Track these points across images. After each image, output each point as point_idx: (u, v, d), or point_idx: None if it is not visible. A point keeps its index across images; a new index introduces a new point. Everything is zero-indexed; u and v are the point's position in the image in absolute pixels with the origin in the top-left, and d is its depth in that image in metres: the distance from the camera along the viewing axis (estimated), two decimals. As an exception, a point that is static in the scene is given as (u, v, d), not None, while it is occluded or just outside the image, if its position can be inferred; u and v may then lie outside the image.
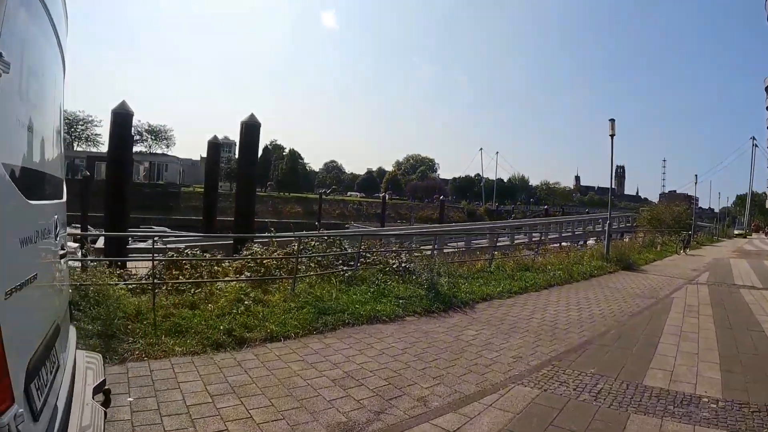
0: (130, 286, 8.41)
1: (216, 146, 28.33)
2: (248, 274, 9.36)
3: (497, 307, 10.01)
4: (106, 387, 3.51)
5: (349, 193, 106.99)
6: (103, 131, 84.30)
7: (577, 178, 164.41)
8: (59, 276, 2.98)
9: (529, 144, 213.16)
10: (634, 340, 8.01)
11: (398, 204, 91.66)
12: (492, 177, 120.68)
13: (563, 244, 28.34)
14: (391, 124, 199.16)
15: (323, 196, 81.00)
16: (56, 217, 2.80)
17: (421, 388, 5.46)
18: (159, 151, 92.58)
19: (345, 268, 10.32)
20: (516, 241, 29.41)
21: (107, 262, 9.40)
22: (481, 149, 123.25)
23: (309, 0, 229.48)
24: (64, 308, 3.17)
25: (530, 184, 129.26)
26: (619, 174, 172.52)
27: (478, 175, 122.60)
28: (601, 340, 7.96)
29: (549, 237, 33.10)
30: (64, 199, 3.30)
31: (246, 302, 7.84)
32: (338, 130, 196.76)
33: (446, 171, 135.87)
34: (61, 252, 3.04)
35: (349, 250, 11.27)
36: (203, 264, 9.54)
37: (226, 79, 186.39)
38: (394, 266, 10.77)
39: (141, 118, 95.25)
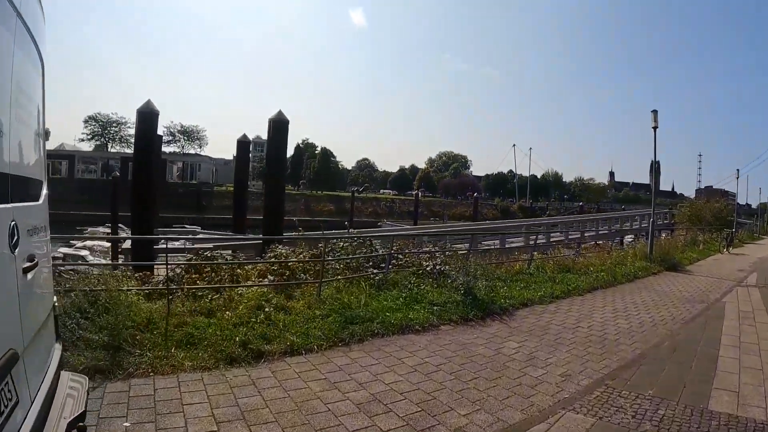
0: (145, 292, 7.88)
1: (245, 144, 27.97)
2: (271, 278, 8.77)
3: (539, 313, 9.20)
4: (81, 424, 2.93)
5: (381, 191, 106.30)
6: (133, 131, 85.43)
7: (612, 174, 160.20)
8: (22, 292, 2.44)
9: (563, 139, 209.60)
10: (692, 354, 7.21)
11: (431, 201, 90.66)
12: (525, 173, 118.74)
13: (599, 242, 27.28)
14: (424, 121, 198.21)
15: (357, 194, 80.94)
16: (12, 222, 2.37)
17: (459, 415, 4.74)
18: (192, 152, 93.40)
19: (375, 271, 9.62)
20: (552, 239, 28.40)
21: (124, 266, 9.00)
22: (514, 145, 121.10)
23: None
24: (32, 330, 2.66)
25: (564, 180, 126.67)
26: (655, 169, 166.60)
27: (511, 171, 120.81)
28: (655, 354, 7.17)
29: (586, 235, 32.00)
30: (39, 201, 3.05)
31: (267, 309, 7.25)
32: (370, 128, 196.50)
33: (479, 168, 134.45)
34: (26, 264, 2.58)
35: (380, 251, 10.61)
36: (224, 267, 8.97)
37: (257, 78, 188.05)
38: (428, 269, 10.02)
39: (174, 119, 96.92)
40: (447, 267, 10.07)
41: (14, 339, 2.31)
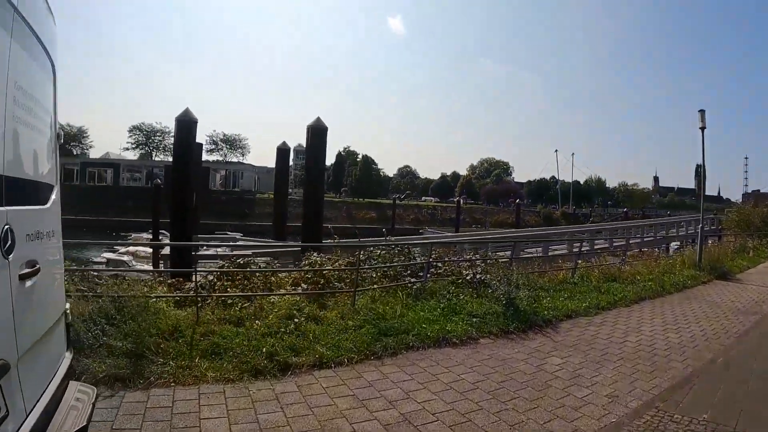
0: (176, 299, 7.76)
1: (284, 152, 28.12)
2: (305, 287, 8.54)
3: (584, 326, 8.66)
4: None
5: (423, 198, 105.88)
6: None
7: (656, 179, 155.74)
8: (17, 300, 2.39)
9: (606, 144, 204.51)
10: (747, 371, 6.60)
11: (473, 208, 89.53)
12: (568, 179, 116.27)
13: (644, 249, 26.23)
14: (465, 128, 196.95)
15: (398, 201, 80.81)
16: (6, 227, 2.33)
17: (497, 441, 4.33)
18: (234, 160, 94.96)
19: (413, 280, 9.24)
20: (596, 247, 27.50)
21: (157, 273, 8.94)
22: (556, 151, 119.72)
23: (376, 7, 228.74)
24: (31, 339, 2.60)
25: (607, 186, 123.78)
26: (699, 173, 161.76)
27: (554, 177, 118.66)
28: (708, 371, 6.59)
29: (631, 242, 30.91)
30: (46, 205, 3.04)
31: (297, 319, 6.97)
32: (411, 136, 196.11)
33: (521, 174, 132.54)
34: (25, 271, 2.53)
35: (419, 260, 10.25)
36: (257, 275, 8.78)
37: (297, 88, 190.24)
38: (468, 278, 9.58)
39: (216, 128, 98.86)
40: (488, 276, 9.60)
41: (5, 348, 2.24)
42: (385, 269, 9.48)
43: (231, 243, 28.56)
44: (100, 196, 71.08)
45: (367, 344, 6.51)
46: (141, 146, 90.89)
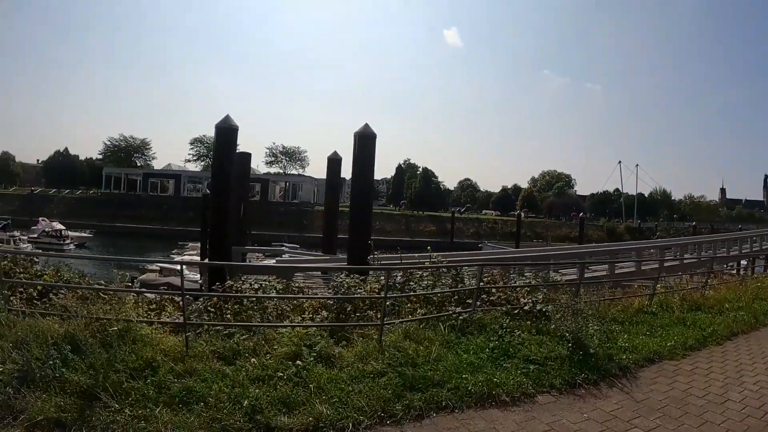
0: (166, 324, 6.40)
1: (336, 162, 26.70)
2: (325, 314, 7.00)
3: (672, 376, 6.65)
4: None
5: (483, 211, 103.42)
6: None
7: (723, 191, 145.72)
8: None
9: (670, 155, 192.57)
10: None
11: (534, 222, 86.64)
12: (631, 192, 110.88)
13: (715, 266, 23.41)
14: (524, 140, 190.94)
15: (458, 214, 79.27)
16: None
17: None
18: (294, 172, 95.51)
19: (459, 309, 7.46)
20: (666, 264, 24.87)
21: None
22: (619, 162, 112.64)
23: (429, 19, 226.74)
24: None
25: (672, 198, 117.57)
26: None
27: (617, 190, 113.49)
28: None
29: (701, 259, 27.92)
30: None
31: (305, 359, 5.46)
32: (471, 148, 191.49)
33: (583, 187, 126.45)
34: None
35: (467, 282, 8.46)
36: (269, 300, 7.26)
37: (356, 102, 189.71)
38: (526, 307, 7.78)
39: (276, 141, 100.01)
40: (550, 307, 7.72)
41: None
42: (426, 295, 7.74)
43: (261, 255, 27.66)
44: (161, 206, 73.00)
45: (385, 401, 4.87)
46: (202, 158, 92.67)
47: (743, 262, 30.47)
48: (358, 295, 7.28)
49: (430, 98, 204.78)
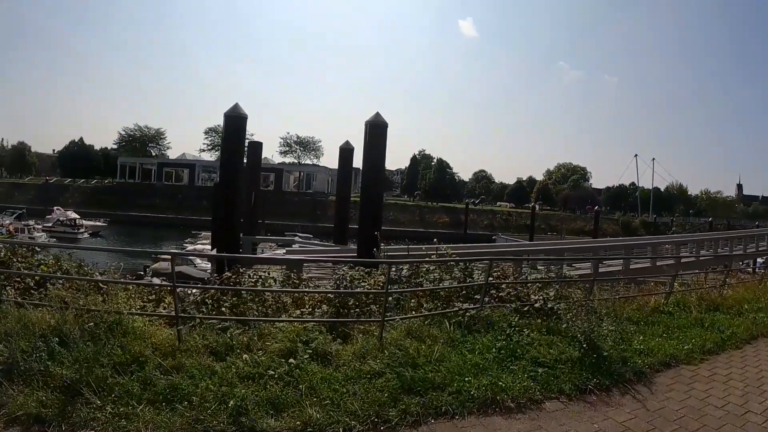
0: (156, 317, 6.17)
1: (348, 152, 26.45)
2: (325, 309, 6.69)
3: (689, 382, 6.23)
4: None
5: (498, 203, 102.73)
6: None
7: (739, 187, 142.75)
8: None
9: (687, 148, 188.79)
10: None
11: (549, 215, 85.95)
12: (647, 186, 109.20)
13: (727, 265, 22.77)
14: (540, 132, 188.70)
15: (473, 206, 78.80)
16: None
17: None
18: (309, 162, 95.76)
19: (466, 305, 7.05)
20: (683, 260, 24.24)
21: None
22: (636, 156, 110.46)
23: (444, 8, 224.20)
24: None
25: (689, 194, 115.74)
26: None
27: (633, 184, 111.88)
28: None
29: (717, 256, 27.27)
30: None
31: (299, 356, 5.17)
32: (486, 140, 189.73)
33: (599, 180, 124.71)
34: None
35: (476, 276, 8.08)
36: (266, 294, 6.99)
37: (372, 93, 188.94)
38: (537, 305, 7.34)
39: (290, 130, 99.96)
40: (562, 304, 7.29)
41: None
42: (432, 290, 7.38)
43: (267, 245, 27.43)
44: (175, 196, 73.42)
45: (380, 405, 4.53)
46: (217, 148, 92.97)
47: (759, 260, 29.76)
48: (360, 290, 6.94)
49: (446, 89, 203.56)
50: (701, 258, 27.22)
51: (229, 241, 16.49)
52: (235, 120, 16.97)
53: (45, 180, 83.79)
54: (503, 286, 8.01)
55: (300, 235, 47.77)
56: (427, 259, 8.24)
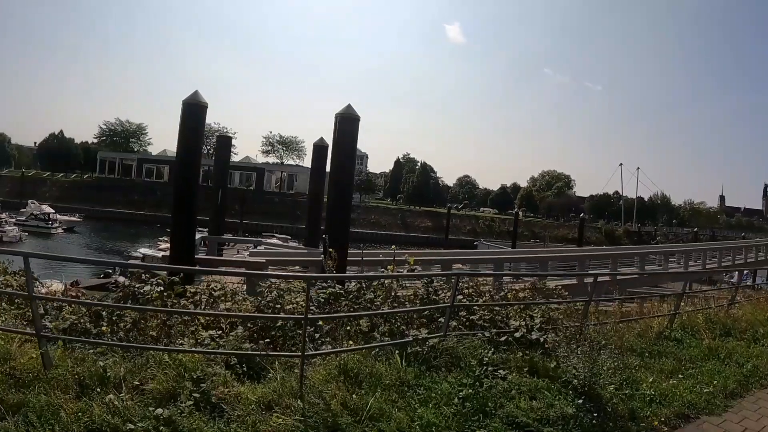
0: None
1: (321, 149, 24.42)
2: (240, 331, 5.08)
3: None
4: None
5: (481, 209, 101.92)
6: (238, 142, 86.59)
7: (722, 198, 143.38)
8: None
9: (669, 159, 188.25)
10: None
11: (532, 222, 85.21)
12: (631, 195, 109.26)
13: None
14: (525, 138, 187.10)
15: (455, 211, 77.75)
16: None
17: None
18: (291, 162, 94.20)
19: (424, 334, 5.25)
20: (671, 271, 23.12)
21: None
22: (620, 165, 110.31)
23: (433, 13, 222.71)
24: None
25: (672, 204, 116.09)
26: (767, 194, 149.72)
27: (617, 192, 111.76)
28: None
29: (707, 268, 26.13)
30: None
31: (181, 402, 3.71)
32: (470, 145, 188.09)
33: (583, 188, 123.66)
34: None
35: (441, 295, 6.28)
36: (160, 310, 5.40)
37: (355, 95, 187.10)
38: (516, 334, 5.65)
39: (272, 129, 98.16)
40: (550, 335, 5.71)
41: None
42: (382, 314, 5.65)
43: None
44: (155, 192, 71.63)
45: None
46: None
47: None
48: (271, 314, 5.36)
49: (431, 93, 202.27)
50: (708, 267, 26.15)
51: (182, 246, 14.78)
52: (195, 108, 15.20)
53: (21, 173, 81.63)
54: (475, 306, 6.36)
55: (278, 236, 46.23)
56: (379, 273, 6.67)
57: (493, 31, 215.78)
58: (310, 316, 4.74)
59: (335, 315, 5.55)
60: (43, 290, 6.79)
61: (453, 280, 5.97)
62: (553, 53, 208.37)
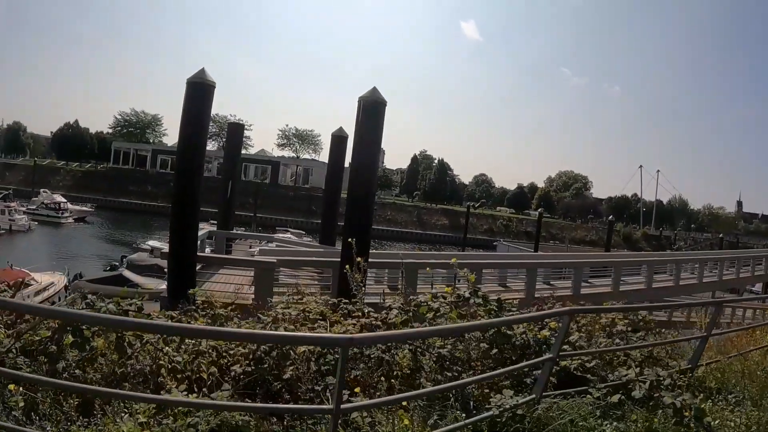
0: None
1: (340, 140, 22.41)
2: (238, 371, 3.47)
3: None
4: None
5: (498, 208, 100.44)
6: (252, 134, 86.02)
7: (740, 203, 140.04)
8: None
9: (688, 163, 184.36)
10: None
11: (549, 223, 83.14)
12: (650, 198, 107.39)
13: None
14: (541, 138, 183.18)
15: (472, 209, 76.09)
16: None
17: None
18: (306, 156, 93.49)
19: (505, 399, 3.44)
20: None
21: None
22: (640, 167, 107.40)
23: (448, 9, 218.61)
24: None
25: (691, 208, 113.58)
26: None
27: (636, 195, 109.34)
28: None
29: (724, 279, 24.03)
30: None
31: None
32: (487, 143, 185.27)
33: (600, 190, 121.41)
34: None
35: (517, 335, 4.45)
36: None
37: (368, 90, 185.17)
38: (635, 394, 3.69)
39: (289, 123, 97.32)
40: (687, 396, 3.67)
41: None
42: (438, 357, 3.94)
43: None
44: (168, 183, 71.02)
45: None
46: (214, 137, 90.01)
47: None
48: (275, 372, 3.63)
49: (448, 91, 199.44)
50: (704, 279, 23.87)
51: (184, 243, 13.12)
52: (200, 88, 13.44)
53: (34, 162, 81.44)
54: (582, 344, 4.57)
55: (292, 231, 44.92)
56: (447, 326, 4.59)
57: (510, 29, 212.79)
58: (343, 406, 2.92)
59: (381, 401, 3.57)
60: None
61: (562, 320, 4.11)
62: (570, 53, 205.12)
